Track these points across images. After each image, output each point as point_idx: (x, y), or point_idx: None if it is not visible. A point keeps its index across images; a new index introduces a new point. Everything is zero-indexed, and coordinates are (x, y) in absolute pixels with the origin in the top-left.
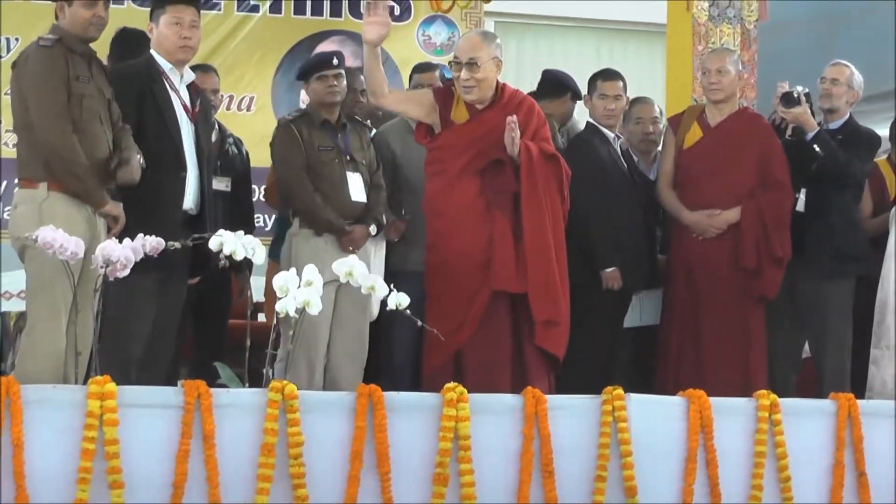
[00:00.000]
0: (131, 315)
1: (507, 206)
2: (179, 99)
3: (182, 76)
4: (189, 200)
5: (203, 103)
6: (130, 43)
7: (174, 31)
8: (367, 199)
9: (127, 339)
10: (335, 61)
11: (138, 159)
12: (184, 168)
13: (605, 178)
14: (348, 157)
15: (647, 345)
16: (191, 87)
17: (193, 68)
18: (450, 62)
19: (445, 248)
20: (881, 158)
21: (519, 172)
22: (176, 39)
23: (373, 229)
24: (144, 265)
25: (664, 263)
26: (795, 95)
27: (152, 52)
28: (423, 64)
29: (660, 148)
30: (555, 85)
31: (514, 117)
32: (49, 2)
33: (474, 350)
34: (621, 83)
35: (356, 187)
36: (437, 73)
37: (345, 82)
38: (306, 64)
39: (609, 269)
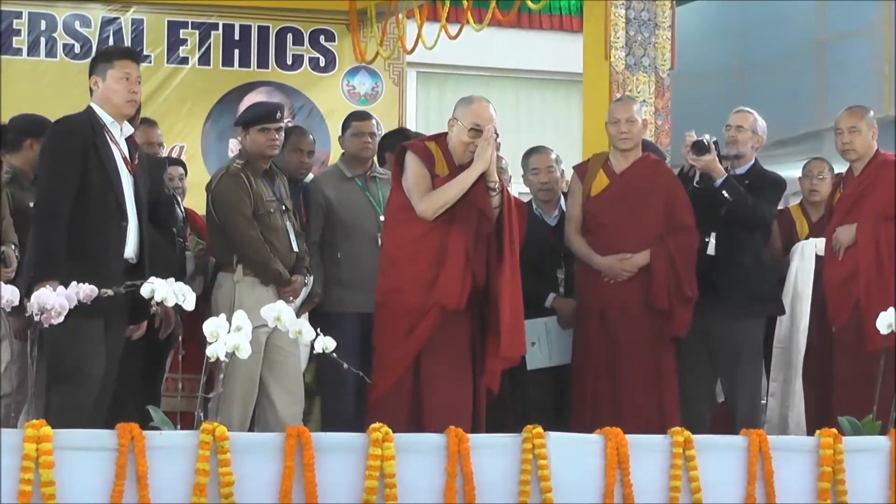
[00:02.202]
0: (83, 359)
1: (470, 229)
2: (120, 152)
3: (122, 129)
4: (130, 249)
5: (140, 156)
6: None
7: (123, 85)
8: (298, 248)
9: (79, 383)
10: (278, 114)
11: (13, 250)
12: (125, 218)
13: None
14: (284, 207)
15: (556, 384)
16: (129, 140)
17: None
18: (470, 129)
19: (399, 275)
20: (794, 204)
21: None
22: (125, 94)
23: (309, 280)
24: (89, 310)
25: (567, 306)
26: (706, 143)
27: (92, 105)
28: (360, 112)
29: (561, 194)
30: None
31: (493, 128)
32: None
33: (432, 374)
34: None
35: (293, 237)
36: (373, 122)
37: (283, 135)
38: (250, 113)
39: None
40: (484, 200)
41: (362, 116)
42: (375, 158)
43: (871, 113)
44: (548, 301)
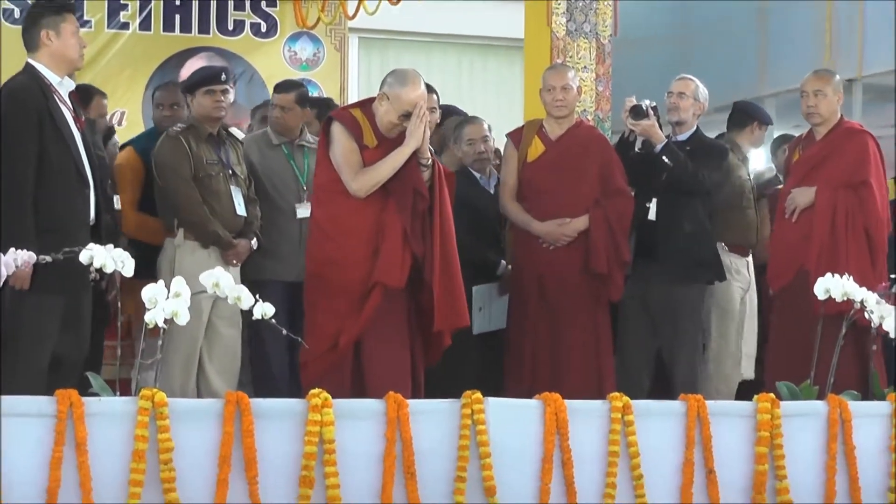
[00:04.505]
0: (35, 335)
1: (406, 207)
2: (70, 112)
3: (64, 85)
4: (91, 214)
5: (87, 119)
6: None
7: (77, 39)
8: (247, 213)
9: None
10: (223, 76)
11: None
12: (87, 185)
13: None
14: (230, 171)
15: (492, 349)
16: (71, 96)
17: (88, 92)
18: (400, 115)
19: (334, 248)
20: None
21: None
22: (78, 48)
23: (254, 244)
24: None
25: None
26: (644, 108)
27: (34, 63)
28: (283, 83)
29: (495, 163)
30: (741, 115)
31: (424, 105)
32: None
33: (373, 346)
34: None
35: (239, 201)
36: (293, 95)
37: (231, 97)
38: (194, 77)
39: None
40: (418, 178)
41: (283, 88)
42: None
43: (838, 77)
44: (500, 269)
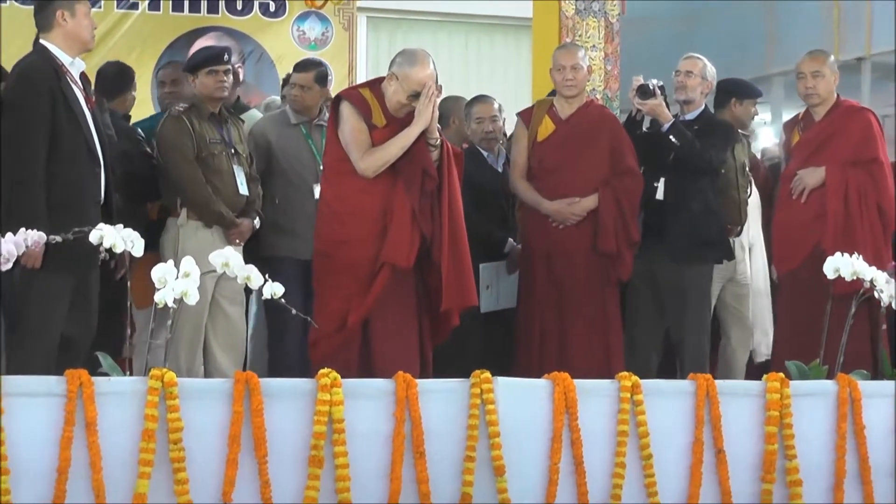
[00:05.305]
0: (45, 315)
1: (415, 187)
2: (81, 92)
3: (75, 65)
4: (102, 193)
5: (95, 91)
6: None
7: (89, 21)
8: (249, 192)
9: (37, 339)
10: (226, 56)
11: None
12: (98, 164)
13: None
14: (233, 150)
15: (500, 328)
16: (83, 77)
17: (129, 76)
18: (409, 95)
19: (342, 227)
20: None
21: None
22: (91, 29)
23: (257, 222)
24: (59, 265)
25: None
26: (651, 88)
27: (46, 44)
28: (302, 62)
29: (503, 142)
30: (719, 94)
31: (433, 84)
32: None
33: (381, 326)
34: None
35: (241, 180)
36: (312, 74)
37: (232, 77)
38: (197, 57)
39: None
40: (426, 158)
41: (303, 67)
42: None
43: (832, 58)
44: (507, 247)
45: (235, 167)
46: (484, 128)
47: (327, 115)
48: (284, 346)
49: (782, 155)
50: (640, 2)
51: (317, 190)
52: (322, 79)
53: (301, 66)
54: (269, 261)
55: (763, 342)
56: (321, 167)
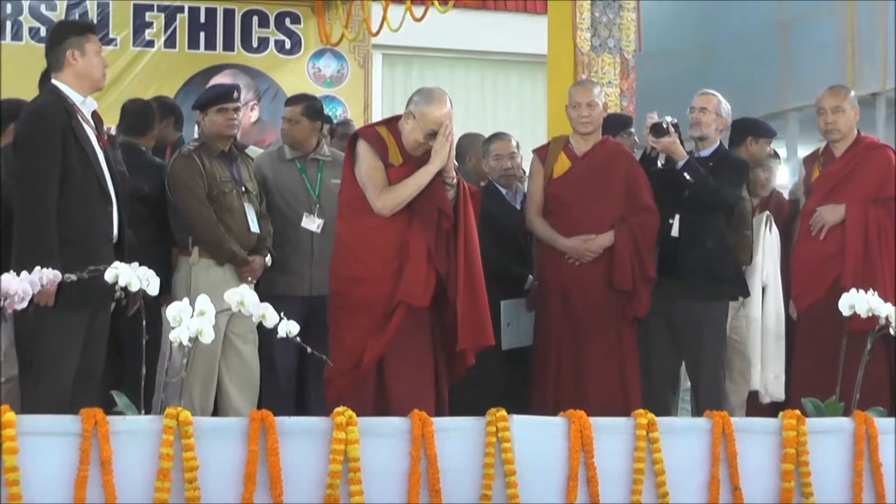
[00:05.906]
0: (60, 352)
1: (431, 226)
2: (92, 130)
3: (86, 104)
4: (115, 230)
5: (108, 131)
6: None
7: (100, 59)
8: (260, 229)
9: (54, 375)
10: (235, 94)
11: None
12: (109, 201)
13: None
14: (243, 188)
15: (518, 365)
16: (94, 116)
17: (172, 108)
18: (427, 133)
19: (358, 265)
20: None
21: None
22: (101, 68)
23: (268, 260)
24: (76, 302)
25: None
26: (664, 126)
27: (57, 83)
28: (293, 97)
29: (522, 179)
30: (735, 133)
31: (450, 124)
32: None
33: (396, 364)
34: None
35: (252, 218)
36: (300, 108)
37: (241, 115)
38: (206, 95)
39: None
40: (443, 198)
41: (292, 101)
42: (324, 141)
43: (853, 93)
44: (527, 283)
45: (246, 205)
46: (502, 165)
47: (325, 148)
48: (277, 378)
49: (801, 190)
50: (655, 37)
51: (306, 220)
52: (313, 112)
53: (290, 100)
54: (267, 299)
55: (775, 385)
56: (315, 201)
